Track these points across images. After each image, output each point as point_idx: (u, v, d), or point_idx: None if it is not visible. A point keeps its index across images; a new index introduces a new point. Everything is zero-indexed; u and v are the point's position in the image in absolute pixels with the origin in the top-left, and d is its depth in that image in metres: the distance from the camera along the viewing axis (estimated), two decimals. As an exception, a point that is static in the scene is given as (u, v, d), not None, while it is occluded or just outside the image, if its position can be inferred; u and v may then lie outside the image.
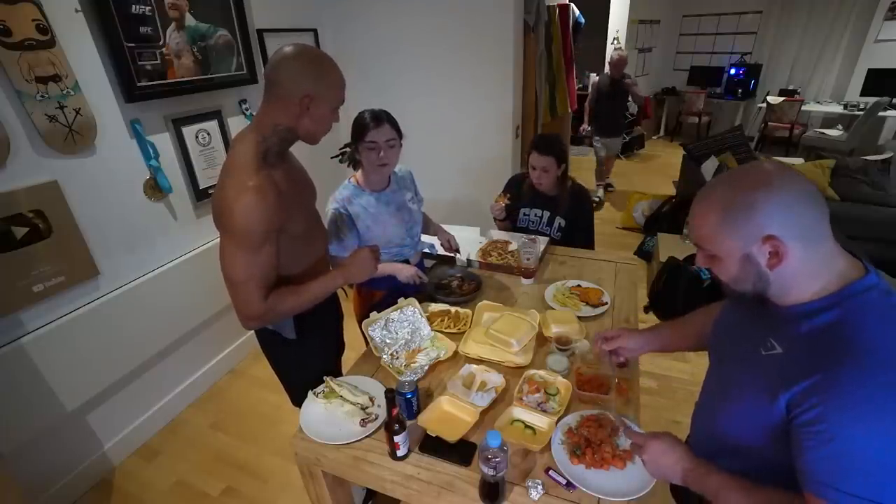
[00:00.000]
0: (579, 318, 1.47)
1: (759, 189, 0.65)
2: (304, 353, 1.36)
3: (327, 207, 1.55)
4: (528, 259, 1.71)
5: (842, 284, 0.67)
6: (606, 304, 1.58)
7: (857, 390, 0.61)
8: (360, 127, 1.46)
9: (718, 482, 0.76)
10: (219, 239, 1.09)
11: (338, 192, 1.57)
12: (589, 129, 4.60)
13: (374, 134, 1.45)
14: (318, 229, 1.34)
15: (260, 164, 1.05)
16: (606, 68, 4.43)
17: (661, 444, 0.83)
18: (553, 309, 1.55)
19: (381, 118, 1.47)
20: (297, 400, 1.44)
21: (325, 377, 1.27)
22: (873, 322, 0.64)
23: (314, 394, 1.24)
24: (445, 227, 1.89)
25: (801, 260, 0.66)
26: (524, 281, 1.76)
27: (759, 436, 0.73)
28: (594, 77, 4.78)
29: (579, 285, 1.69)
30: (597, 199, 4.65)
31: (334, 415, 1.18)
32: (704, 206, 0.71)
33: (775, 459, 0.71)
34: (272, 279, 1.12)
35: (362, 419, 1.15)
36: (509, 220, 2.15)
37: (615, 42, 6.20)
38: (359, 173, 1.59)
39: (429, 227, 1.88)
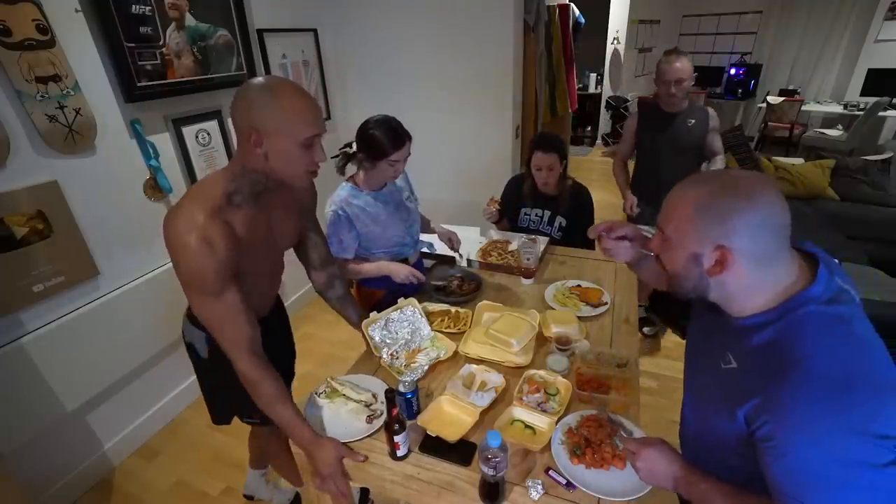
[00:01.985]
0: (579, 318, 1.47)
1: (739, 201, 0.66)
2: (218, 376, 1.24)
3: (326, 210, 1.55)
4: (528, 259, 1.71)
5: (783, 299, 0.68)
6: (606, 304, 1.58)
7: (798, 406, 0.62)
8: (380, 147, 1.43)
9: (706, 490, 0.77)
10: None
11: (335, 193, 1.57)
12: (636, 207, 2.30)
13: (398, 154, 1.45)
14: (277, 274, 1.28)
15: (221, 206, 0.97)
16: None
17: (653, 451, 0.84)
18: (553, 309, 1.55)
19: (403, 138, 1.45)
20: (215, 416, 1.40)
21: (327, 377, 1.27)
22: (810, 335, 0.65)
23: (316, 394, 1.24)
24: (445, 227, 1.89)
25: (749, 277, 0.68)
26: (524, 281, 1.76)
27: (732, 443, 0.74)
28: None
29: (579, 285, 1.69)
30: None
31: (338, 414, 1.18)
32: (683, 195, 0.71)
33: (753, 465, 0.71)
34: (254, 334, 1.04)
35: (368, 416, 1.16)
36: (508, 221, 2.15)
37: (615, 42, 6.20)
38: (359, 175, 1.59)
39: (427, 226, 1.88)
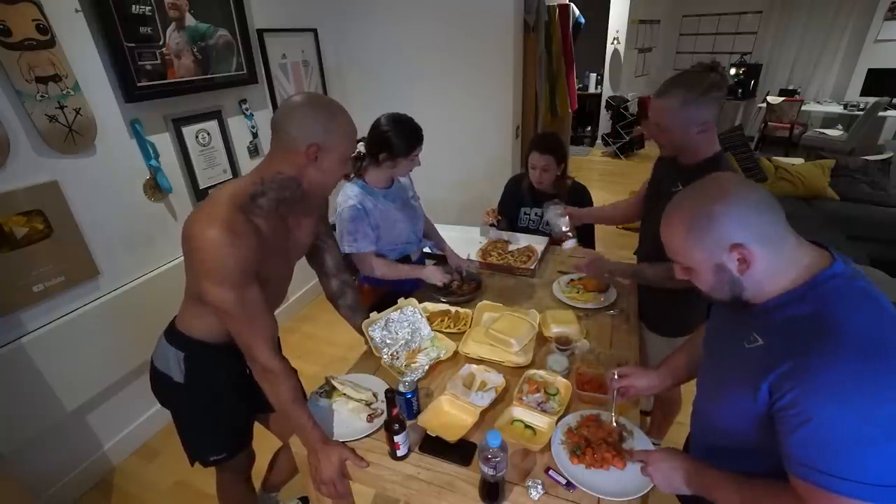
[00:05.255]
0: (591, 309, 1.52)
1: (716, 202, 0.70)
2: (196, 403, 1.22)
3: (339, 206, 1.55)
4: (561, 227, 1.74)
5: (809, 276, 0.71)
6: (609, 287, 1.65)
7: (824, 373, 0.63)
8: (401, 146, 1.49)
9: (713, 478, 0.80)
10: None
11: (349, 189, 1.56)
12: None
13: (419, 150, 1.53)
14: (286, 285, 1.26)
15: (244, 203, 0.97)
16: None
17: (661, 453, 0.88)
18: (563, 303, 1.60)
19: (419, 133, 1.53)
20: (193, 453, 1.29)
21: (326, 376, 1.27)
22: (838, 307, 0.67)
23: (317, 394, 1.24)
24: (446, 226, 1.89)
25: (767, 261, 0.70)
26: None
27: (749, 429, 0.75)
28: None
29: (572, 279, 1.73)
30: None
31: (339, 413, 1.19)
32: (671, 225, 0.76)
33: (768, 452, 0.72)
34: (275, 330, 1.06)
35: (369, 415, 1.16)
36: (508, 220, 2.16)
37: (615, 42, 6.21)
38: (369, 173, 1.59)
39: (431, 231, 1.88)
